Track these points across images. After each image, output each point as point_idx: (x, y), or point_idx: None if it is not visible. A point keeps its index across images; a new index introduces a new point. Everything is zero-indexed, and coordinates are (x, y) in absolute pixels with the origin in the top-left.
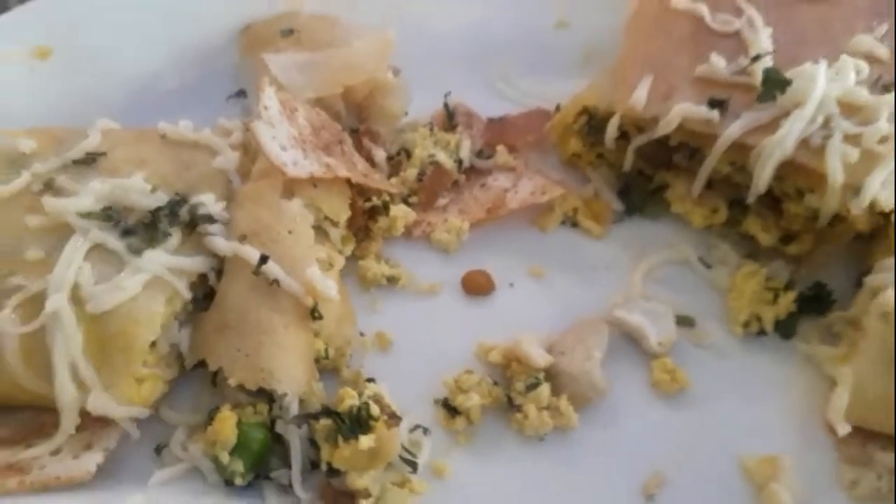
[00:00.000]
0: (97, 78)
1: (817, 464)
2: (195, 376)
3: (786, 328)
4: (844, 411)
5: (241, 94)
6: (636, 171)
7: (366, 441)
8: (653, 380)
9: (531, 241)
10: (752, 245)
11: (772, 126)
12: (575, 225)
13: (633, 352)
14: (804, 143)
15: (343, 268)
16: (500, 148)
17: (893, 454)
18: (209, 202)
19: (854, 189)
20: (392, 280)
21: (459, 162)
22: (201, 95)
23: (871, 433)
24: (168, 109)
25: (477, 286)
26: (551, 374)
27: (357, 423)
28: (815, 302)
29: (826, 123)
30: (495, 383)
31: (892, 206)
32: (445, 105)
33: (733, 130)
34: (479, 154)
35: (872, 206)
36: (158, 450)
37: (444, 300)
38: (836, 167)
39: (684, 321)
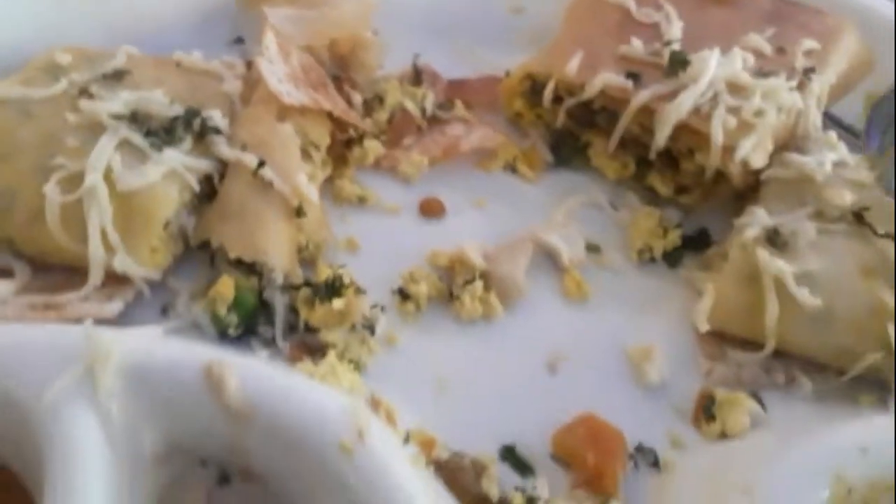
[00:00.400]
0: (118, 11)
1: (683, 356)
2: (195, 259)
3: (672, 259)
4: (706, 316)
5: (240, 40)
6: (566, 130)
7: (338, 303)
8: (563, 288)
9: (477, 180)
10: (653, 196)
11: (672, 96)
12: (513, 170)
13: (549, 266)
14: (696, 111)
15: (321, 187)
16: (458, 103)
17: (741, 351)
18: (216, 117)
19: (731, 150)
20: (362, 199)
21: (423, 111)
22: (203, 38)
23: (725, 335)
24: (175, 46)
25: (431, 210)
26: (485, 276)
27: (332, 289)
28: (698, 241)
29: (714, 98)
30: (440, 279)
31: (760, 165)
32: (414, 64)
33: (642, 97)
34: (440, 107)
35: (745, 164)
36: (164, 310)
37: (404, 219)
38: (718, 131)
39: (592, 248)
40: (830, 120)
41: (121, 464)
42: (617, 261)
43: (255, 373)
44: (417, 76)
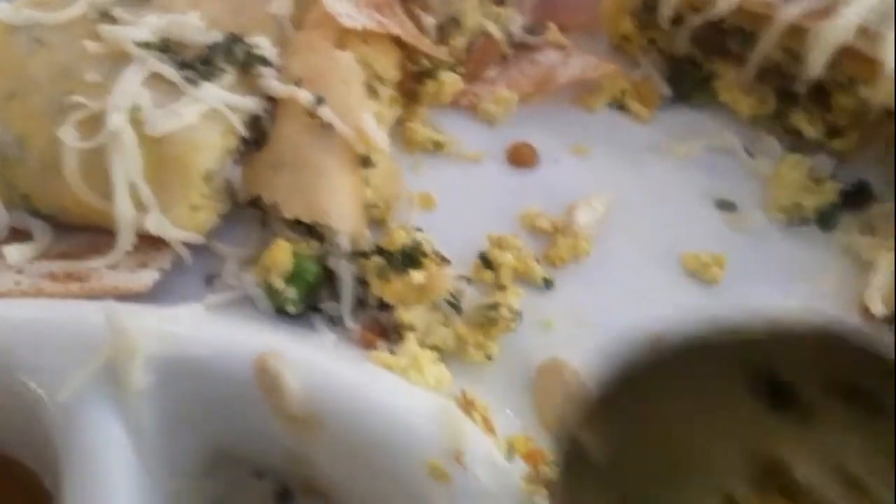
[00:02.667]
0: None
1: None
2: (244, 217)
3: (826, 220)
4: (881, 296)
5: None
6: (687, 57)
7: (417, 276)
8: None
9: (577, 120)
10: (797, 140)
11: (830, 11)
12: (622, 108)
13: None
14: (863, 31)
15: (390, 131)
16: (552, 25)
17: None
18: (264, 45)
19: None
20: (438, 146)
21: (509, 36)
22: None
23: None
24: None
25: (522, 158)
26: None
27: (409, 259)
28: (856, 197)
29: (886, 13)
30: (537, 261)
31: None
32: None
33: (791, 12)
34: (529, 31)
35: None
36: (209, 280)
37: (488, 169)
38: (891, 56)
39: (725, 205)
40: None
41: (153, 477)
42: (757, 221)
43: (320, 368)
44: None
